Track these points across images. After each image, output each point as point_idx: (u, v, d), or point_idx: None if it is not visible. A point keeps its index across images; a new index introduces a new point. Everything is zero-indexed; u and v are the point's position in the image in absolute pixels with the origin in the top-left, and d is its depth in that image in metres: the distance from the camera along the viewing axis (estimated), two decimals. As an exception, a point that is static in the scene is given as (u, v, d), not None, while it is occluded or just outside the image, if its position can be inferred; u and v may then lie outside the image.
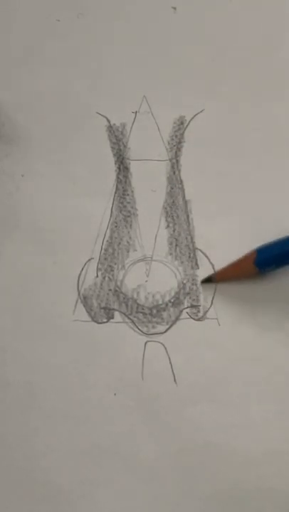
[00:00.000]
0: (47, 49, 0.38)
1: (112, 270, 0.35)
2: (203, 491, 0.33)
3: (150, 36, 0.38)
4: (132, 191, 0.36)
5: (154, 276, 0.35)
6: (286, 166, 0.36)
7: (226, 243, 0.35)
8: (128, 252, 0.35)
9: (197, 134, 0.37)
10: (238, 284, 0.35)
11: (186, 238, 0.35)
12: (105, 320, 0.34)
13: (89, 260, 0.35)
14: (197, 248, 0.35)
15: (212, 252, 0.35)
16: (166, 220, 0.36)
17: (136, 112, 0.37)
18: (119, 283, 0.35)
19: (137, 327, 0.34)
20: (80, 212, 0.36)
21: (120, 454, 0.33)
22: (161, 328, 0.34)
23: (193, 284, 0.35)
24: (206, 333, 0.34)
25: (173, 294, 0.35)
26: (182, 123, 0.37)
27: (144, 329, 0.34)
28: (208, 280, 0.35)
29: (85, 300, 0.35)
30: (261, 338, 0.34)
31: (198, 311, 0.34)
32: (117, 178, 0.36)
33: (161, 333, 0.34)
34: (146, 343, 0.34)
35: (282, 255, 0.34)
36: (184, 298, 0.35)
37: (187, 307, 0.34)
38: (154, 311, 0.34)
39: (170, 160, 0.36)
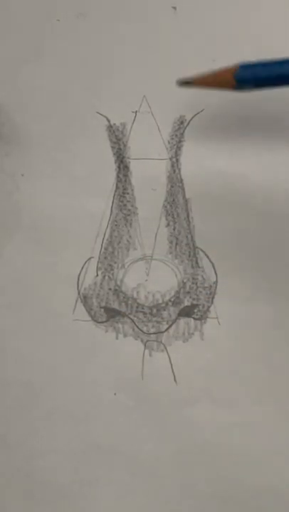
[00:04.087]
0: (47, 49, 0.38)
1: (112, 269, 0.35)
2: (203, 491, 0.33)
3: (150, 36, 0.38)
4: (132, 190, 0.36)
5: (154, 276, 0.35)
6: (286, 165, 0.36)
7: (225, 242, 0.35)
8: (128, 250, 0.35)
9: (197, 133, 0.37)
10: (239, 283, 0.35)
11: (187, 237, 0.35)
12: (105, 319, 0.34)
13: (89, 259, 0.35)
14: (197, 247, 0.35)
15: (212, 251, 0.35)
16: (167, 219, 0.36)
17: (136, 112, 0.37)
18: (119, 282, 0.35)
19: (137, 326, 0.34)
20: (80, 212, 0.36)
21: (120, 454, 0.33)
22: (161, 327, 0.34)
23: (193, 283, 0.35)
24: (206, 333, 0.34)
25: (173, 293, 0.35)
26: (182, 123, 0.37)
27: (144, 328, 0.34)
28: (186, 83, 0.34)
29: (84, 299, 0.35)
30: (261, 338, 0.34)
31: (199, 311, 0.35)
32: (117, 177, 0.36)
33: (162, 332, 0.34)
34: (146, 343, 0.34)
35: (264, 77, 0.32)
36: (184, 297, 0.35)
37: (184, 315, 0.34)
38: (154, 311, 0.34)
39: (170, 159, 0.36)
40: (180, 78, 0.33)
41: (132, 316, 0.34)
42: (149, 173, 0.36)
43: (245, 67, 0.33)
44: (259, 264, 0.35)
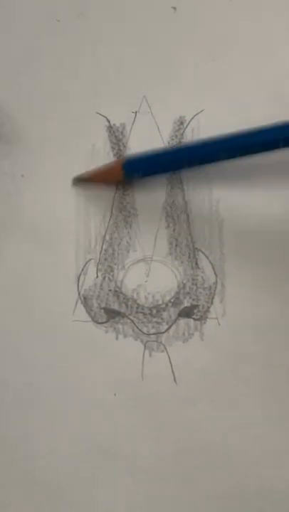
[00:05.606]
0: (47, 49, 0.38)
1: (112, 270, 0.35)
2: (203, 491, 0.33)
3: (150, 36, 0.38)
4: (132, 192, 0.36)
5: (154, 277, 0.35)
6: (287, 165, 0.36)
7: (225, 243, 0.35)
8: (128, 252, 0.35)
9: (197, 134, 0.37)
10: (239, 283, 0.35)
11: (186, 238, 0.35)
12: (105, 320, 0.34)
13: (89, 261, 0.35)
14: (197, 248, 0.35)
15: (212, 252, 0.35)
16: (166, 220, 0.36)
17: (136, 112, 0.37)
18: (119, 283, 0.35)
19: (137, 327, 0.34)
20: (80, 212, 0.36)
21: (120, 454, 0.33)
22: (161, 328, 0.34)
23: (193, 284, 0.35)
24: (206, 333, 0.34)
25: (173, 294, 0.35)
26: (182, 123, 0.37)
27: (144, 329, 0.34)
28: (79, 180, 0.36)
29: (85, 300, 0.35)
30: (261, 338, 0.34)
31: (198, 311, 0.35)
32: (117, 178, 0.36)
33: (161, 333, 0.34)
34: (146, 343, 0.34)
35: (149, 168, 0.36)
36: (184, 298, 0.35)
37: (184, 315, 0.34)
38: (154, 311, 0.34)
39: (170, 160, 0.36)
40: (75, 177, 0.36)
41: (132, 317, 0.34)
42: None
43: (131, 161, 0.35)
44: (259, 264, 0.35)
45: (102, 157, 0.37)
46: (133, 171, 0.35)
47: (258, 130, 0.33)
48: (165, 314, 0.34)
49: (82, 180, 0.36)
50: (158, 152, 0.35)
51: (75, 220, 0.36)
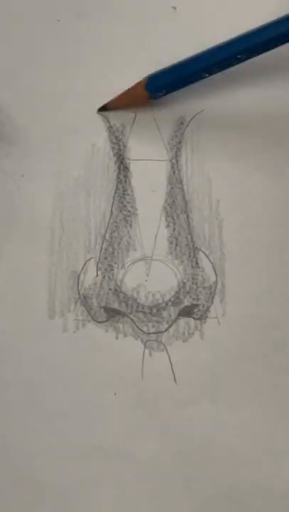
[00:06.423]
0: (47, 49, 0.38)
1: (112, 269, 0.35)
2: (203, 491, 0.33)
3: (150, 36, 0.38)
4: (132, 191, 0.36)
5: (154, 276, 0.35)
6: (287, 165, 0.36)
7: (225, 242, 0.35)
8: (128, 251, 0.35)
9: (197, 134, 0.37)
10: (239, 283, 0.35)
11: (186, 238, 0.35)
12: (105, 319, 0.34)
13: (89, 260, 0.35)
14: (197, 248, 0.35)
15: (212, 252, 0.35)
16: (166, 220, 0.36)
17: (136, 113, 0.37)
18: (119, 282, 0.35)
19: (137, 326, 0.34)
20: (80, 212, 0.36)
21: (120, 454, 0.33)
22: (161, 327, 0.34)
23: (193, 283, 0.35)
24: (206, 333, 0.34)
25: (173, 293, 0.35)
26: (182, 123, 0.37)
27: (144, 328, 0.34)
28: (103, 109, 0.37)
29: (84, 299, 0.35)
30: (261, 338, 0.34)
31: (198, 311, 0.35)
32: (117, 177, 0.36)
33: (161, 332, 0.34)
34: (146, 343, 0.34)
35: (172, 81, 0.36)
36: (184, 297, 0.35)
37: (184, 315, 0.34)
38: (154, 311, 0.34)
39: (170, 160, 0.36)
40: (100, 107, 0.37)
41: (132, 316, 0.34)
42: (149, 174, 0.36)
43: (153, 77, 0.36)
44: (259, 263, 0.35)
45: (102, 157, 0.37)
46: (157, 89, 0.36)
47: (274, 22, 0.34)
48: (165, 313, 0.34)
49: (106, 109, 0.37)
50: (179, 63, 0.36)
51: (75, 219, 0.36)
